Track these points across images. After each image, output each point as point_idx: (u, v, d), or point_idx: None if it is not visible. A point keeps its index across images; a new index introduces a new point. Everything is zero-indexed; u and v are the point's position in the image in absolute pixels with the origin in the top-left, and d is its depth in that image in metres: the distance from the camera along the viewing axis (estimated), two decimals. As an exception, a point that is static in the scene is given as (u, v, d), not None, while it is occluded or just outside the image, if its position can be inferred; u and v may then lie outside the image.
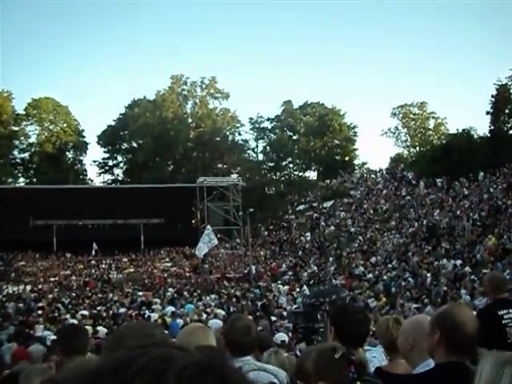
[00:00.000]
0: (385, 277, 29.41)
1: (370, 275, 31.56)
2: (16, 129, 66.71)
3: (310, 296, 13.71)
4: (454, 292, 21.57)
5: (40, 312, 23.23)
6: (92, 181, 71.86)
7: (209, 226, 36.38)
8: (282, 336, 8.07)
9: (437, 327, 2.81)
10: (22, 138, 67.60)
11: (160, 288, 37.11)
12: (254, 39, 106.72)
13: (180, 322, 17.28)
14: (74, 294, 34.57)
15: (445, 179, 43.98)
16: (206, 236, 35.06)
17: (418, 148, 69.77)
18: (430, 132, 71.46)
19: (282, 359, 4.90)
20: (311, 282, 36.36)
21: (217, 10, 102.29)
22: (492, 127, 48.37)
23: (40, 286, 39.31)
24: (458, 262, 25.72)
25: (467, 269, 24.30)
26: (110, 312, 23.44)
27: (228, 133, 72.96)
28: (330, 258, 40.08)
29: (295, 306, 20.64)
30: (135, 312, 22.35)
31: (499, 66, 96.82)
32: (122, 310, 23.41)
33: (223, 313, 21.09)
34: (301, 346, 10.92)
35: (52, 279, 41.90)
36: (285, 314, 19.73)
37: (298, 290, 32.66)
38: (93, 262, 46.22)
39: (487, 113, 48.62)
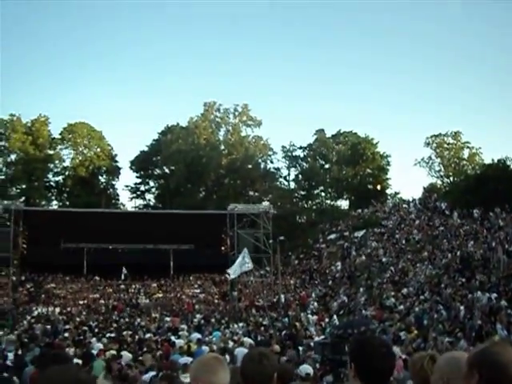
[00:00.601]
0: (416, 309, 28.63)
1: (401, 307, 30.78)
2: (51, 152, 68.12)
3: (339, 327, 13.29)
4: (489, 326, 20.86)
5: (67, 335, 23.11)
6: (124, 205, 72.66)
7: (245, 249, 36.16)
8: (306, 368, 7.63)
9: (475, 368, 2.39)
10: (57, 162, 68.98)
11: (188, 314, 36.86)
12: (288, 66, 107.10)
13: (206, 349, 16.93)
14: (101, 318, 34.52)
15: (480, 210, 43.12)
16: (242, 259, 34.86)
17: (451, 178, 68.85)
18: (464, 162, 70.47)
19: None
20: (341, 312, 35.71)
21: (251, 39, 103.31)
22: (528, 156, 47.51)
23: (69, 309, 39.44)
24: (494, 295, 24.89)
25: (503, 302, 23.49)
26: (136, 337, 23.20)
27: (260, 160, 73.06)
28: (361, 289, 39.36)
29: (322, 337, 20.09)
30: (161, 338, 22.08)
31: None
32: (148, 336, 23.16)
33: (250, 341, 20.68)
34: (327, 378, 10.51)
35: (81, 302, 42.07)
36: (312, 344, 19.25)
37: (327, 320, 32.06)
38: (122, 286, 46.32)
39: (523, 143, 47.80)
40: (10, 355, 15.75)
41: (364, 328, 10.49)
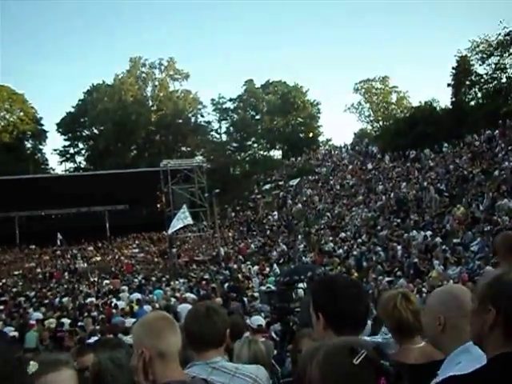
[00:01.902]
0: (355, 252, 29.13)
1: (340, 251, 31.26)
2: (-31, 119, 64.78)
3: (284, 274, 13.16)
4: (426, 263, 21.42)
5: (2, 307, 22.35)
6: (54, 170, 70.36)
7: (184, 206, 35.74)
8: (257, 319, 7.34)
9: (490, 301, 1.94)
10: (-23, 129, 65.64)
11: (128, 275, 36.42)
12: (212, 18, 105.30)
13: (148, 308, 16.64)
14: (38, 287, 33.65)
15: (410, 152, 44.05)
16: (182, 214, 34.39)
17: (381, 122, 69.85)
18: (393, 106, 71.56)
19: (257, 350, 4.20)
20: (281, 260, 36.00)
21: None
22: (454, 99, 48.51)
23: (4, 280, 38.17)
24: (428, 233, 25.53)
25: (438, 239, 24.12)
26: (76, 303, 22.70)
27: (190, 115, 72.09)
28: (299, 236, 39.71)
29: (267, 286, 20.08)
30: (102, 301, 21.65)
31: (459, 38, 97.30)
32: (89, 300, 22.68)
33: (193, 296, 20.53)
34: (275, 327, 10.42)
35: (16, 272, 40.76)
36: (256, 294, 19.26)
37: (267, 269, 32.25)
38: (58, 252, 45.19)
39: (448, 85, 48.78)
40: None
41: (310, 273, 10.43)
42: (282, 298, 11.96)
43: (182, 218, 34.24)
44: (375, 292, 18.51)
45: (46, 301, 24.81)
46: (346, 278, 3.20)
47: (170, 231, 36.74)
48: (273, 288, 16.62)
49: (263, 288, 20.05)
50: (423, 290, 16.38)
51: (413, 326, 3.02)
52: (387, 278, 21.42)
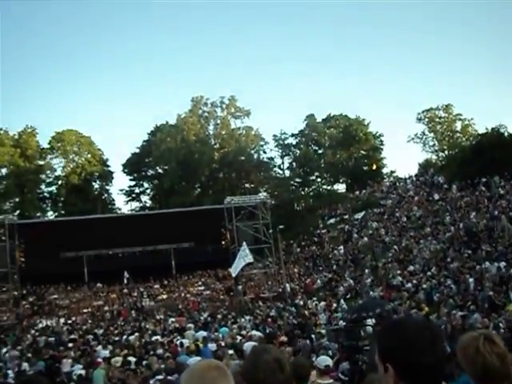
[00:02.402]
0: (424, 285, 28.14)
1: (409, 285, 30.30)
2: (42, 163, 67.36)
3: (351, 311, 12.59)
4: (502, 296, 20.39)
5: (71, 345, 22.58)
6: (120, 209, 71.98)
7: (244, 243, 35.69)
8: (325, 360, 6.87)
9: None
10: (48, 172, 68.17)
11: (194, 313, 36.39)
12: (270, 55, 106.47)
13: (212, 346, 16.42)
14: (106, 325, 33.98)
15: (478, 180, 42.71)
16: (243, 251, 34.41)
17: (446, 152, 68.38)
18: (458, 134, 70.05)
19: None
20: (348, 296, 35.25)
21: (234, 28, 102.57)
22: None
23: (73, 319, 38.86)
24: (502, 264, 24.44)
25: (513, 270, 23.10)
26: (143, 340, 22.68)
27: (253, 151, 72.51)
28: (366, 270, 38.89)
29: (334, 323, 19.44)
30: (168, 339, 21.54)
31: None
32: (155, 338, 22.62)
33: (259, 334, 20.16)
34: (343, 365, 9.94)
35: (85, 310, 41.45)
36: (323, 331, 18.69)
37: (334, 305, 31.57)
38: (125, 290, 45.70)
39: (516, 109, 47.31)
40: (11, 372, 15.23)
41: (379, 310, 9.87)
42: (349, 336, 11.44)
43: (243, 257, 34.19)
44: (448, 327, 17.66)
45: (115, 338, 24.92)
46: (417, 320, 2.77)
47: (233, 273, 36.78)
48: (340, 325, 16.05)
49: (330, 326, 19.47)
50: (500, 325, 15.49)
51: (500, 372, 2.60)
52: (460, 313, 20.47)
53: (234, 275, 38.27)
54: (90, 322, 37.52)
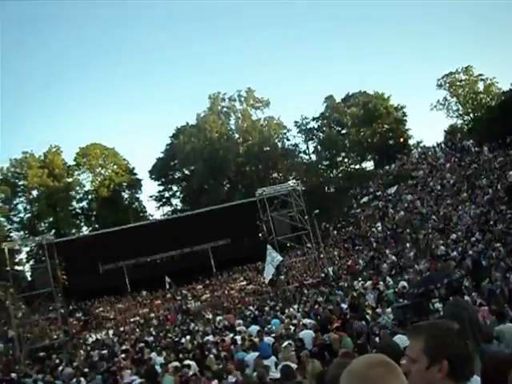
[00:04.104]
0: (470, 251, 27.52)
1: (454, 253, 29.71)
2: (70, 180, 67.88)
3: (418, 285, 12.09)
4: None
5: (124, 355, 22.51)
6: (152, 215, 72.13)
7: (268, 246, 35.47)
8: (403, 340, 6.45)
9: None
10: (78, 188, 68.66)
11: (242, 307, 36.36)
12: (283, 40, 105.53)
13: (269, 339, 16.13)
14: (155, 331, 33.99)
15: (509, 138, 41.81)
16: (269, 256, 34.23)
17: (471, 114, 67.02)
18: (481, 95, 68.49)
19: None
20: (392, 272, 34.79)
21: (240, 17, 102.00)
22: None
23: (122, 329, 39.05)
24: (551, 219, 23.81)
25: None
26: (195, 342, 22.50)
27: (276, 140, 72.09)
28: (407, 244, 38.36)
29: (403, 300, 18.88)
30: (220, 338, 21.31)
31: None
32: (207, 338, 22.41)
33: (311, 321, 19.83)
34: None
35: (132, 320, 41.64)
36: (379, 310, 18.24)
37: (381, 283, 31.07)
38: (168, 295, 45.82)
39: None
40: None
41: (447, 279, 9.41)
42: (418, 311, 10.98)
43: (270, 262, 34.01)
44: (505, 291, 17.10)
45: (167, 344, 24.80)
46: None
47: (266, 280, 36.67)
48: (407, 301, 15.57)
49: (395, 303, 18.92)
50: None
51: None
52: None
53: (267, 282, 38.22)
54: (138, 330, 37.61)
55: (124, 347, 27.36)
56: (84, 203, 69.29)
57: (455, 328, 2.37)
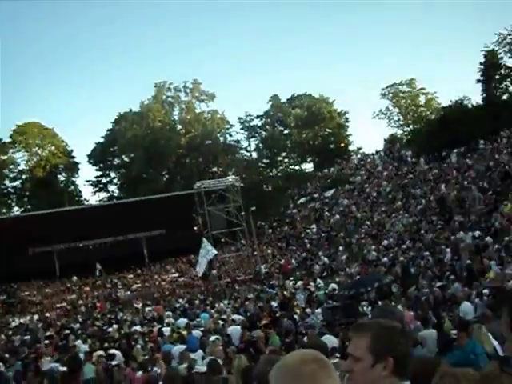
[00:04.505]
0: (401, 258, 28.26)
1: (385, 259, 30.43)
2: (4, 158, 65.57)
3: (349, 287, 12.29)
4: (479, 264, 20.46)
5: (48, 342, 22.02)
6: (88, 201, 70.65)
7: (204, 239, 35.39)
8: (332, 341, 6.57)
9: None
10: (12, 166, 66.41)
11: (172, 299, 36.16)
12: (232, 36, 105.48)
13: (197, 333, 16.14)
14: (83, 318, 33.41)
15: (445, 152, 43.17)
16: (203, 249, 34.07)
17: (411, 126, 68.84)
18: (422, 108, 70.58)
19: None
20: (324, 274, 35.34)
21: (193, 11, 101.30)
22: (485, 95, 47.57)
23: (47, 315, 38.13)
24: (477, 233, 24.61)
25: (488, 239, 23.21)
26: (122, 332, 22.28)
27: (219, 135, 71.96)
28: (340, 247, 39.01)
29: (328, 301, 19.24)
30: (148, 329, 21.17)
31: (484, 33, 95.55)
32: (134, 329, 22.22)
33: (241, 317, 19.97)
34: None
35: (59, 305, 40.73)
36: (308, 310, 18.53)
37: (312, 284, 31.50)
38: (98, 282, 45.07)
39: (478, 81, 47.84)
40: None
41: (378, 283, 9.61)
42: (347, 313, 11.17)
43: (204, 255, 33.95)
44: (431, 299, 17.68)
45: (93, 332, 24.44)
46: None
47: (200, 273, 36.57)
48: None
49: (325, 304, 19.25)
50: (484, 292, 15.52)
51: None
52: (439, 283, 20.54)
53: (199, 275, 38.09)
54: (65, 317, 36.88)
55: (48, 333, 26.77)
56: (17, 182, 67.03)
57: (399, 327, 2.40)
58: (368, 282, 10.14)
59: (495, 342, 7.50)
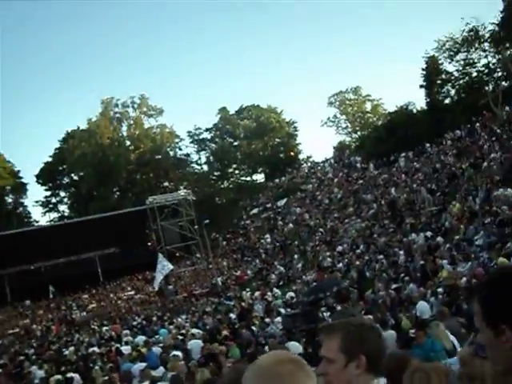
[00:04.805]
0: (357, 262, 28.57)
1: (340, 265, 30.71)
2: None
3: (307, 293, 12.27)
4: (432, 264, 20.83)
5: (1, 370, 21.29)
6: (37, 222, 69.15)
7: (160, 254, 35.22)
8: (296, 347, 6.58)
9: None
10: (-45, 190, 64.48)
11: (128, 318, 35.57)
12: (177, 50, 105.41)
13: (157, 350, 15.93)
14: (37, 343, 32.52)
15: (394, 156, 44.08)
16: (159, 264, 33.98)
17: (359, 132, 69.97)
18: (369, 115, 71.90)
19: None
20: (280, 283, 35.42)
21: (138, 28, 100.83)
22: (428, 99, 48.73)
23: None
24: (428, 233, 25.06)
25: (439, 239, 23.67)
26: (79, 354, 21.82)
27: (169, 149, 71.64)
28: (295, 256, 39.21)
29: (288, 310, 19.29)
30: (106, 349, 20.80)
31: (423, 40, 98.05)
32: (92, 350, 21.80)
33: (200, 331, 19.81)
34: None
35: (11, 331, 39.45)
36: (267, 320, 18.53)
37: (269, 293, 31.52)
38: (52, 305, 44.05)
39: (421, 86, 48.93)
40: None
41: (336, 288, 9.66)
42: (307, 320, 11.14)
43: (160, 270, 33.87)
44: (387, 301, 17.92)
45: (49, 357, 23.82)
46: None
47: (155, 286, 36.38)
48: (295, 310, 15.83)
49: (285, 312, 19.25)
50: (438, 290, 15.84)
51: None
52: (394, 285, 20.84)
53: (155, 288, 37.83)
54: (17, 343, 35.80)
55: (1, 361, 25.97)
56: (-38, 206, 65.24)
57: (368, 323, 2.40)
58: (326, 288, 10.15)
59: (453, 338, 7.66)
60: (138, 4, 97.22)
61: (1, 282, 43.72)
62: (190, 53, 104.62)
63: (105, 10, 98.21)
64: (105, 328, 32.19)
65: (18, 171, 68.44)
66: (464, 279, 16.13)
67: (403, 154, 42.93)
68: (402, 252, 25.16)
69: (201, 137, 75.12)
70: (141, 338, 20.62)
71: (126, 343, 20.98)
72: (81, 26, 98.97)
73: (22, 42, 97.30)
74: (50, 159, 70.18)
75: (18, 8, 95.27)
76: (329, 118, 72.89)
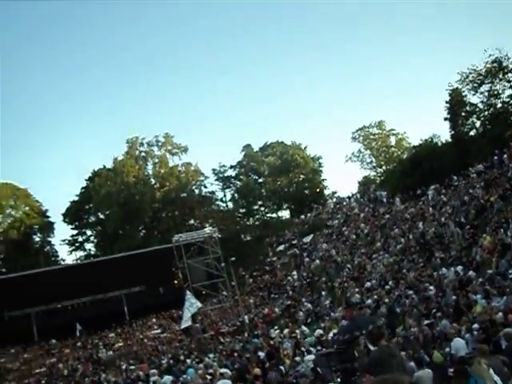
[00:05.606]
0: (386, 299, 28.01)
1: (369, 301, 30.13)
2: (-23, 221, 64.63)
3: (343, 332, 11.91)
4: (465, 299, 20.31)
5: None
6: (64, 260, 69.70)
7: (188, 292, 35.01)
8: None
9: None
10: (-15, 230, 65.36)
11: (154, 357, 35.23)
12: (201, 88, 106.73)
13: (185, 389, 15.67)
14: (64, 383, 32.38)
15: (421, 190, 43.73)
16: (187, 302, 33.77)
17: (384, 167, 69.69)
18: (393, 149, 71.66)
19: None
20: (308, 320, 34.89)
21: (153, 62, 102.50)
22: (453, 132, 48.44)
23: (26, 381, 36.81)
24: (459, 268, 24.56)
25: (471, 273, 23.16)
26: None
27: (194, 187, 72.02)
28: (323, 292, 38.67)
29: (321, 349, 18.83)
30: (133, 389, 20.56)
31: (447, 73, 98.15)
32: (119, 389, 21.58)
33: (228, 371, 19.45)
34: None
35: (37, 371, 39.33)
36: (297, 359, 18.12)
37: (297, 331, 31.02)
38: (79, 343, 43.93)
39: (445, 119, 48.70)
40: None
41: (372, 326, 9.38)
42: (343, 359, 10.83)
43: (188, 307, 33.65)
44: (420, 337, 17.44)
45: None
46: None
47: (183, 324, 36.06)
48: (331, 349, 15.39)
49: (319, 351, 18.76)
50: (474, 326, 15.33)
51: None
52: (426, 321, 20.32)
53: (182, 327, 37.51)
54: (44, 382, 35.66)
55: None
56: (-9, 245, 65.96)
57: (405, 380, 2.31)
58: (362, 325, 9.85)
59: (496, 378, 7.27)
60: (163, 44, 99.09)
61: (28, 321, 43.79)
62: (213, 92, 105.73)
63: (127, 49, 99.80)
64: (131, 367, 31.93)
65: (46, 210, 69.52)
66: (500, 314, 15.63)
67: (432, 187, 42.45)
68: (432, 287, 24.62)
69: (225, 174, 75.61)
70: (168, 378, 20.34)
71: (154, 383, 20.71)
72: (106, 62, 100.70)
73: (50, 85, 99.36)
74: (76, 198, 71.01)
75: (50, 53, 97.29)
76: (353, 153, 72.89)
